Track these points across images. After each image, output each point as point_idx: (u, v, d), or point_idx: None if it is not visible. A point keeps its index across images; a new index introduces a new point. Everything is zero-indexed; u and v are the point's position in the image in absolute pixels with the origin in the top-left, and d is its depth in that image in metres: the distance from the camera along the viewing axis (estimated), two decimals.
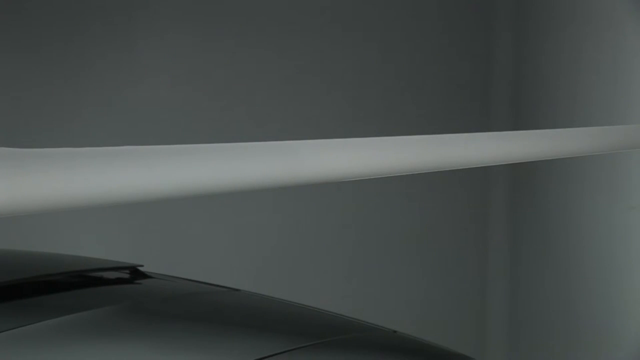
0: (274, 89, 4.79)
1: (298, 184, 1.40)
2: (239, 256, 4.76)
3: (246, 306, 2.39)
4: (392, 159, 1.55)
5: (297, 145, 1.38)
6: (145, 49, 4.61)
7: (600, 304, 4.14)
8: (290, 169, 1.35)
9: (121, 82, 4.58)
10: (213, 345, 1.92)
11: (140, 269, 2.51)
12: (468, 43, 5.06)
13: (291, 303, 2.41)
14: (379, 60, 4.95)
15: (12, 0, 4.44)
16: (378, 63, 4.94)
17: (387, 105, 4.95)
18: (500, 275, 5.03)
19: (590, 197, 4.21)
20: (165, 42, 4.64)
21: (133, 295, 2.35)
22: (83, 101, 4.55)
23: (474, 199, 5.11)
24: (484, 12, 5.05)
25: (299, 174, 1.36)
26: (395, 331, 2.24)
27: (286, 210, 4.83)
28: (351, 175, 1.47)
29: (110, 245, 4.49)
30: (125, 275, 2.48)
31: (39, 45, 4.47)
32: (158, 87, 4.63)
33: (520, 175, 4.88)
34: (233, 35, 4.72)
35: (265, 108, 4.78)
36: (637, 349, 3.87)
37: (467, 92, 5.08)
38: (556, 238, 4.51)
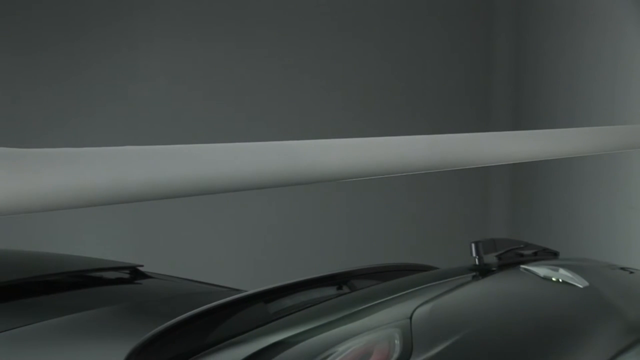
0: (274, 89, 4.79)
1: (298, 184, 1.39)
2: (239, 256, 4.76)
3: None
4: (392, 159, 1.55)
5: (297, 145, 1.37)
6: (145, 50, 4.62)
7: None
8: (290, 169, 1.34)
9: (121, 82, 4.58)
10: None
11: (140, 269, 2.51)
12: (468, 43, 5.06)
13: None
14: (379, 61, 4.95)
15: (12, 1, 4.44)
16: (378, 64, 4.94)
17: (387, 106, 4.95)
18: None
19: (590, 197, 4.21)
20: (165, 43, 4.64)
21: (133, 295, 2.34)
22: (83, 101, 4.55)
23: (474, 199, 5.11)
24: (484, 13, 5.05)
25: (299, 174, 1.36)
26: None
27: (286, 210, 4.83)
28: (351, 175, 1.46)
29: (110, 245, 4.50)
30: (125, 275, 2.48)
31: (40, 46, 4.47)
32: (158, 87, 4.63)
33: (520, 175, 4.88)
34: (233, 35, 4.72)
35: (265, 108, 4.78)
36: None
37: (467, 92, 5.08)
38: (556, 238, 4.50)
